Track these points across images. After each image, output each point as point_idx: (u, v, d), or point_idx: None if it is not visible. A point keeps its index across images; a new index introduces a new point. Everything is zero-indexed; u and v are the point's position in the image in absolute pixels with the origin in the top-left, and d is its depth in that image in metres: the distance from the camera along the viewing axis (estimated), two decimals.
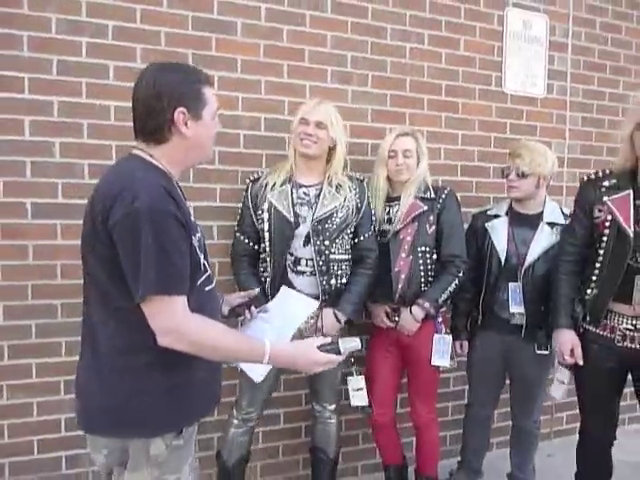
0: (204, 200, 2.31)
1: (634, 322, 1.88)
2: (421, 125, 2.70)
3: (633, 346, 1.89)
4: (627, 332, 1.89)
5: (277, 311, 1.63)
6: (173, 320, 1.21)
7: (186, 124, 1.30)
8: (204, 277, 1.35)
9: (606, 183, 1.96)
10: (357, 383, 2.16)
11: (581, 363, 1.98)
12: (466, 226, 2.41)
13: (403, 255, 2.18)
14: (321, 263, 2.04)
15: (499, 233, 2.27)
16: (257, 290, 1.71)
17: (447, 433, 2.86)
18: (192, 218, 1.34)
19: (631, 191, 1.89)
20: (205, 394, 1.38)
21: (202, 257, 1.34)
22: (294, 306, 1.64)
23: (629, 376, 2.01)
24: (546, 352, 2.22)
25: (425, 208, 2.19)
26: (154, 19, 2.23)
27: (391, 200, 2.27)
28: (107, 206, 1.21)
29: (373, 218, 2.19)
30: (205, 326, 1.26)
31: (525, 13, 2.89)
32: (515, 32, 2.87)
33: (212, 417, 2.25)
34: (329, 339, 1.42)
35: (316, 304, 1.58)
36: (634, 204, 1.88)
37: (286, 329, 1.54)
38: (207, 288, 1.36)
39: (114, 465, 1.35)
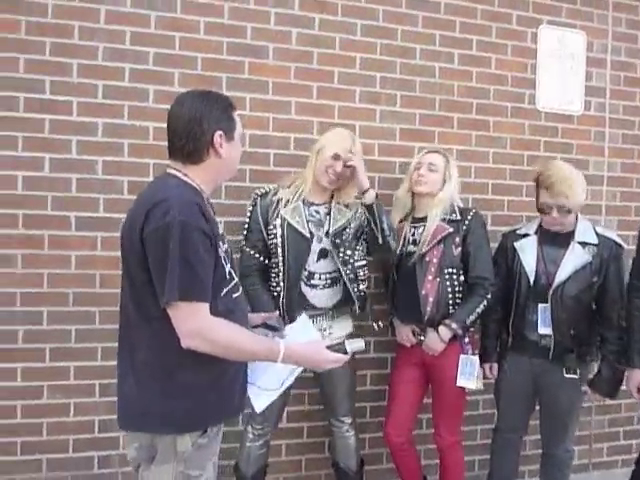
0: (234, 216, 2.41)
1: None
2: (451, 143, 2.72)
3: None
4: None
5: (293, 337, 1.66)
6: (196, 323, 1.33)
7: (222, 146, 1.44)
8: (231, 285, 1.47)
9: None
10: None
11: None
12: (496, 245, 2.39)
13: (430, 277, 2.18)
14: (349, 272, 2.10)
15: (528, 253, 2.23)
16: (277, 313, 1.77)
17: (475, 457, 2.79)
18: (220, 231, 1.47)
19: None
20: (230, 396, 1.47)
21: (228, 267, 1.46)
22: (308, 337, 1.65)
23: None
24: (575, 376, 2.15)
25: (451, 230, 2.19)
26: (191, 45, 2.38)
27: (416, 221, 2.29)
28: (142, 218, 1.34)
29: None
30: (225, 328, 1.38)
31: (561, 30, 2.85)
32: (550, 49, 2.84)
33: (235, 427, 2.31)
34: (336, 341, 1.55)
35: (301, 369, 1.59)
36: None
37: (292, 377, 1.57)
38: (234, 295, 1.49)
39: (143, 459, 1.46)
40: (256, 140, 2.46)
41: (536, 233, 2.26)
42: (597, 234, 2.20)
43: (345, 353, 1.50)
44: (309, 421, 2.58)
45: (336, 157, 2.09)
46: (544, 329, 2.19)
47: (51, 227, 2.26)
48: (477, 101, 2.75)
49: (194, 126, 1.41)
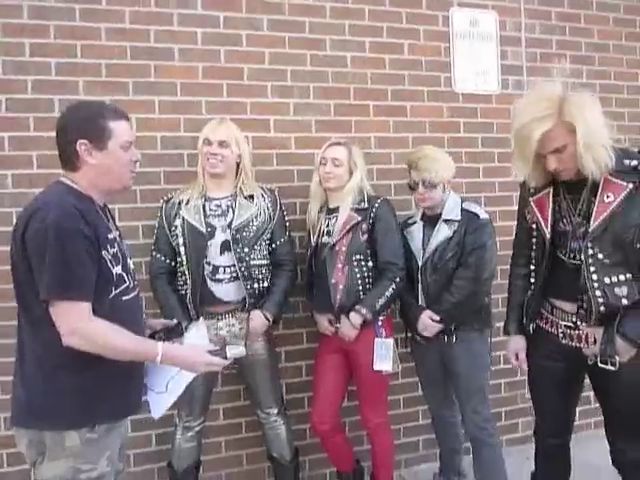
0: (150, 219, 2.38)
1: (573, 319, 1.82)
2: (369, 131, 2.74)
3: (574, 344, 1.82)
4: (567, 330, 1.83)
5: (191, 342, 1.72)
6: (75, 322, 1.40)
7: (91, 154, 1.49)
8: (121, 288, 1.53)
9: (533, 184, 1.92)
10: None
11: (525, 367, 1.98)
12: None
13: (339, 266, 2.22)
14: (243, 269, 2.14)
15: (415, 237, 2.32)
16: (175, 321, 1.80)
17: (419, 437, 2.84)
18: (110, 235, 1.53)
19: (551, 189, 1.84)
20: (117, 396, 1.51)
21: (118, 269, 1.51)
22: (203, 342, 1.72)
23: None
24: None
25: (359, 219, 2.23)
26: (94, 52, 2.37)
27: (330, 212, 2.33)
28: (24, 222, 1.42)
29: (287, 225, 2.31)
30: (105, 328, 1.44)
31: (472, 11, 2.88)
32: (462, 31, 2.86)
33: (170, 428, 2.33)
34: (218, 346, 1.62)
35: (193, 376, 1.63)
36: (554, 201, 1.83)
37: (177, 381, 1.62)
38: (124, 298, 1.54)
39: (34, 456, 1.50)
40: (168, 142, 2.47)
41: (422, 219, 2.35)
42: (462, 210, 2.26)
43: (225, 358, 1.57)
44: (246, 416, 2.59)
45: (207, 142, 2.16)
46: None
47: None
48: (392, 87, 2.77)
49: (61, 136, 1.51)
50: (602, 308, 1.71)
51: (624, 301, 1.69)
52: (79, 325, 1.40)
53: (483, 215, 2.26)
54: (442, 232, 2.24)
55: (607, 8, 3.12)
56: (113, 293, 1.50)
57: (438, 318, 2.21)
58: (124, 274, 1.55)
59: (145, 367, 1.62)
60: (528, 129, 1.66)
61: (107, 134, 1.50)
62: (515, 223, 2.07)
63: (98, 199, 1.55)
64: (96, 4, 2.37)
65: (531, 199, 1.89)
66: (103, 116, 1.51)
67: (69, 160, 1.51)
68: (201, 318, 1.97)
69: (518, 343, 1.98)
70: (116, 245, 1.55)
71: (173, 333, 1.72)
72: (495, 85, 2.92)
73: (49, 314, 1.41)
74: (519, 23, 2.95)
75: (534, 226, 1.89)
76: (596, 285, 1.71)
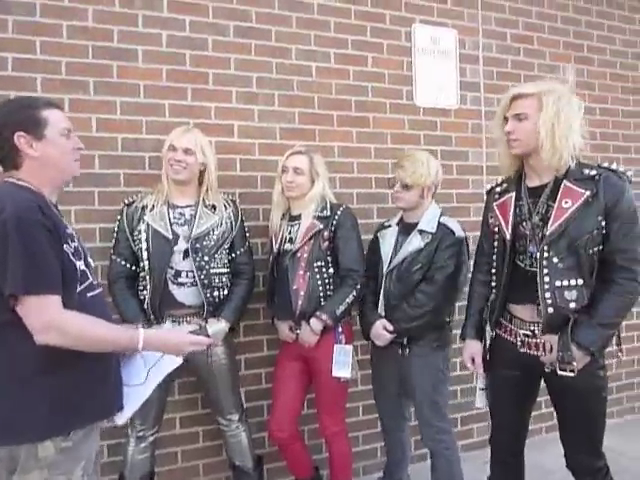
0: (108, 222, 2.33)
1: (532, 328, 1.85)
2: (332, 141, 2.78)
3: (532, 352, 1.85)
4: (526, 338, 1.86)
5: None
6: (47, 316, 1.31)
7: (32, 146, 1.41)
8: (86, 284, 1.46)
9: (498, 189, 1.99)
10: None
11: (480, 372, 2.01)
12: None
13: (301, 272, 2.23)
14: (202, 277, 2.13)
15: (386, 241, 2.33)
16: (139, 325, 1.75)
17: (378, 445, 2.85)
18: (68, 230, 1.46)
19: (514, 193, 1.89)
20: (93, 400, 1.44)
21: (80, 264, 1.44)
22: None
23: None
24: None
25: (321, 226, 2.25)
26: (54, 50, 2.32)
27: (292, 219, 2.34)
28: None
29: (247, 235, 2.33)
30: (80, 320, 1.37)
31: (433, 29, 2.98)
32: (423, 47, 2.96)
33: (123, 439, 2.26)
34: (198, 326, 1.60)
35: (180, 360, 1.57)
36: (516, 205, 1.88)
37: (158, 368, 1.55)
38: (89, 294, 1.47)
39: (5, 475, 1.40)
40: (129, 144, 2.43)
41: (397, 224, 2.37)
42: (439, 223, 2.26)
43: (207, 337, 1.54)
44: (203, 425, 2.55)
45: (171, 148, 2.16)
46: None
47: None
48: (355, 98, 2.82)
49: None
50: (550, 310, 1.76)
51: (572, 305, 1.75)
52: (53, 318, 1.32)
53: (459, 233, 2.24)
54: (414, 242, 2.24)
55: (558, 32, 3.30)
56: (79, 289, 1.43)
57: (392, 328, 2.20)
58: (87, 270, 1.49)
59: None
60: (512, 89, 1.87)
61: (43, 122, 1.43)
62: (473, 234, 2.13)
63: (49, 195, 1.48)
64: (58, 0, 2.32)
65: (494, 204, 1.95)
66: (35, 106, 1.45)
67: (9, 157, 1.43)
68: (167, 322, 1.92)
69: (474, 347, 2.01)
70: (76, 240, 1.49)
71: None
72: (454, 100, 3.03)
73: (14, 318, 1.32)
74: (477, 42, 3.08)
75: (496, 229, 1.93)
76: (547, 287, 1.76)
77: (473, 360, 2.01)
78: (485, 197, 2.08)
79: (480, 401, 2.06)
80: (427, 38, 2.96)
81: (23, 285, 1.30)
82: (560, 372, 1.74)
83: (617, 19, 3.48)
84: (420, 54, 2.95)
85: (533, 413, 2.05)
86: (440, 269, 2.19)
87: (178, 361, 1.54)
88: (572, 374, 1.72)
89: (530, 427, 2.04)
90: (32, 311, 1.32)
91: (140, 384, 1.53)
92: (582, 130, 1.79)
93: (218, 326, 1.64)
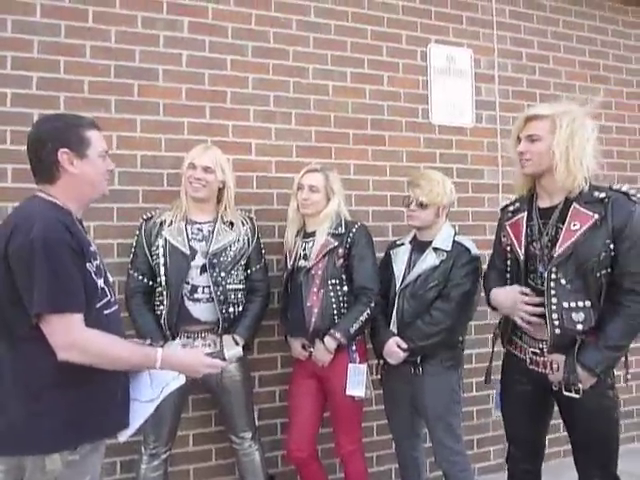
0: (128, 237, 2.36)
1: (540, 346, 1.85)
2: (348, 159, 2.80)
3: (539, 370, 1.86)
4: (534, 356, 1.87)
5: None
6: (71, 335, 1.36)
7: (72, 163, 1.46)
8: (104, 301, 1.49)
9: (511, 208, 1.99)
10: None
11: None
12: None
13: (315, 289, 2.23)
14: (219, 293, 2.14)
15: (399, 259, 2.32)
16: (148, 341, 1.78)
17: (392, 466, 2.81)
18: (92, 248, 1.50)
19: (526, 213, 1.90)
20: (103, 416, 1.46)
21: (100, 282, 1.48)
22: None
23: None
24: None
25: (336, 244, 2.25)
26: (77, 69, 2.37)
27: (307, 236, 2.34)
28: (6, 238, 1.36)
29: (263, 252, 2.34)
30: (101, 339, 1.41)
31: (448, 48, 3.00)
32: (439, 67, 2.98)
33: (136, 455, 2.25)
34: (215, 347, 1.67)
35: (183, 379, 1.58)
36: (527, 225, 1.88)
37: (162, 386, 1.56)
38: (106, 312, 1.50)
39: None
40: (148, 161, 2.46)
41: (410, 242, 2.36)
42: (454, 242, 2.25)
43: (223, 360, 1.57)
44: (216, 443, 2.53)
45: (191, 166, 2.17)
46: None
47: None
48: (372, 117, 2.84)
49: (38, 147, 1.47)
50: (557, 331, 1.75)
51: (579, 326, 1.74)
52: (76, 337, 1.36)
53: (474, 251, 2.23)
54: (429, 260, 2.23)
55: (574, 51, 3.31)
56: (97, 306, 1.47)
57: (405, 346, 2.17)
58: (106, 287, 1.53)
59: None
60: (527, 110, 1.90)
61: (86, 142, 1.49)
62: (488, 252, 2.12)
63: (75, 212, 1.52)
64: (82, 22, 2.38)
65: (506, 223, 1.95)
66: (81, 125, 1.51)
67: (47, 171, 1.47)
68: (177, 339, 1.93)
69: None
70: (98, 258, 1.54)
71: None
72: (469, 119, 3.03)
73: (33, 333, 1.35)
74: (493, 61, 3.10)
75: (508, 248, 1.94)
76: (554, 308, 1.76)
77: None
78: (500, 213, 2.09)
79: (496, 408, 2.06)
80: (443, 57, 2.99)
81: (48, 304, 1.34)
82: (565, 392, 1.75)
83: (633, 38, 3.48)
84: (436, 73, 2.97)
85: (550, 436, 2.02)
86: (456, 286, 2.18)
87: (182, 380, 1.55)
88: (577, 395, 1.73)
89: (547, 450, 2.00)
90: (56, 329, 1.35)
91: (145, 401, 1.54)
92: (596, 152, 1.80)
93: (236, 350, 1.63)
